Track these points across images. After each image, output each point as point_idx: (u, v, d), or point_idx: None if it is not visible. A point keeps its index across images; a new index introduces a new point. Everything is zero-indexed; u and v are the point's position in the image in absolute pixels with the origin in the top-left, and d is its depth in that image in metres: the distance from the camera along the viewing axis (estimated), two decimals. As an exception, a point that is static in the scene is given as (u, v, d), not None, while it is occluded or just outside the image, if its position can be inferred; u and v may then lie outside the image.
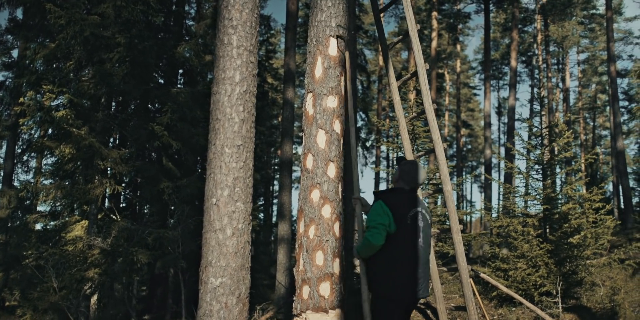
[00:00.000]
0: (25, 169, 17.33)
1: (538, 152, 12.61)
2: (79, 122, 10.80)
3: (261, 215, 29.03)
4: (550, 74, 37.87)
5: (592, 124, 48.03)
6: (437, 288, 6.67)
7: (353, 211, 5.62)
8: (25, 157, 16.57)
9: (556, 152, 12.76)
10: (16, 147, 16.94)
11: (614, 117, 25.48)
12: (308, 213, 5.17)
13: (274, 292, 13.35)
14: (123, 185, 12.78)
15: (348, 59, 5.71)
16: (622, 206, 25.34)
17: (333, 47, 5.55)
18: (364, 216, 5.35)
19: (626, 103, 44.64)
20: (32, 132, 13.25)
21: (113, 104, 13.03)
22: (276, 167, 36.32)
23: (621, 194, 26.02)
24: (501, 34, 42.99)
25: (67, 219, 11.74)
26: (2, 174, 17.68)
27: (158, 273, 13.64)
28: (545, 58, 37.12)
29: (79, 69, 11.91)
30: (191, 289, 12.27)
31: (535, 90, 42.44)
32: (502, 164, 37.67)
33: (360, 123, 38.05)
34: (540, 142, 12.86)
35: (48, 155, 12.06)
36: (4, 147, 17.36)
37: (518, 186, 12.93)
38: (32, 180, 15.84)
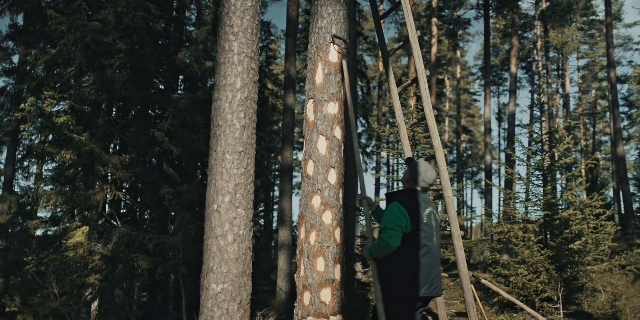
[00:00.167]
0: (26, 175, 17.36)
1: (538, 158, 12.63)
2: (79, 128, 10.81)
3: (261, 221, 28.99)
4: (550, 80, 37.89)
5: (592, 129, 48.07)
6: (438, 294, 6.66)
7: (354, 217, 5.64)
8: (25, 163, 16.60)
9: (556, 158, 12.78)
10: (17, 152, 16.94)
11: (614, 122, 25.52)
12: (309, 219, 5.18)
13: (275, 298, 13.35)
14: (123, 191, 12.78)
15: (345, 65, 5.72)
16: (623, 212, 25.34)
17: (333, 54, 5.57)
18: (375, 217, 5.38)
19: (626, 109, 44.74)
20: (33, 138, 13.27)
21: (114, 109, 13.03)
22: (276, 173, 36.28)
23: (622, 199, 26.01)
24: (501, 40, 43.07)
25: (67, 224, 11.72)
26: (2, 179, 17.66)
27: (159, 279, 13.60)
28: (545, 64, 37.15)
29: (79, 75, 11.93)
30: (192, 295, 12.25)
31: (535, 96, 42.53)
32: (503, 170, 37.66)
33: (360, 129, 38.09)
34: (540, 148, 12.88)
35: (49, 161, 12.07)
36: (5, 153, 17.36)
37: (518, 192, 12.95)
38: (32, 186, 15.86)
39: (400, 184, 17.60)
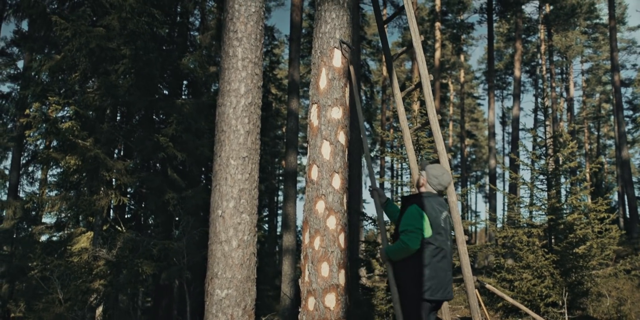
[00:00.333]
0: (31, 180, 17.41)
1: (542, 162, 12.61)
2: (84, 133, 10.83)
3: (266, 226, 28.95)
4: (554, 84, 37.90)
5: (596, 133, 47.99)
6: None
7: (358, 222, 5.64)
8: (30, 169, 16.62)
9: (561, 162, 12.77)
10: (21, 158, 16.96)
11: (618, 126, 25.48)
12: (313, 224, 5.18)
13: (279, 303, 13.33)
14: (128, 196, 12.79)
15: (353, 69, 5.73)
16: (628, 216, 25.29)
17: (337, 59, 5.57)
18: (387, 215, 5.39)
19: (630, 112, 44.73)
20: (38, 143, 13.34)
21: (118, 115, 13.06)
22: (281, 178, 36.26)
23: (626, 203, 25.96)
24: (505, 44, 43.08)
25: (72, 230, 11.74)
26: (7, 185, 17.68)
27: (163, 284, 13.60)
28: (549, 68, 37.17)
29: (84, 81, 11.96)
30: (196, 300, 12.24)
31: (539, 100, 42.56)
32: (507, 174, 37.67)
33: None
34: (544, 152, 12.86)
35: (53, 167, 12.08)
36: (10, 159, 17.41)
37: (523, 196, 12.94)
38: (37, 192, 15.93)
39: (405, 189, 17.59)
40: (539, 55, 39.19)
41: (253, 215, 5.64)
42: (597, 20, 39.13)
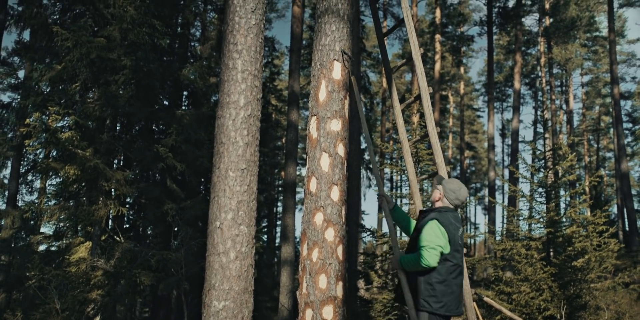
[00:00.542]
0: (30, 190, 17.37)
1: (541, 175, 12.62)
2: (84, 143, 10.85)
3: (264, 237, 28.93)
4: (553, 96, 37.98)
5: (595, 145, 48.04)
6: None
7: (357, 234, 5.64)
8: (29, 178, 16.60)
9: (560, 175, 12.77)
10: (21, 167, 16.96)
11: (617, 139, 25.50)
12: (311, 236, 5.18)
13: (277, 314, 13.30)
14: (127, 206, 12.80)
15: (355, 81, 5.75)
16: (627, 229, 25.26)
17: (337, 71, 5.59)
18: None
19: (630, 125, 44.78)
20: (37, 153, 13.32)
21: (118, 125, 13.08)
22: (280, 189, 36.23)
23: (626, 216, 25.94)
24: (505, 57, 43.22)
25: (70, 240, 11.73)
26: (6, 194, 17.67)
27: (161, 295, 13.58)
28: (549, 80, 37.26)
29: (84, 91, 12.00)
30: (193, 311, 12.21)
31: (539, 112, 42.63)
32: (506, 186, 37.65)
33: (363, 145, 38.08)
34: (543, 164, 12.88)
35: (52, 176, 12.09)
36: (9, 168, 17.37)
37: (522, 209, 12.94)
38: (36, 201, 15.89)
39: (405, 200, 17.59)
40: (538, 68, 39.32)
41: (251, 227, 5.65)
42: (597, 33, 39.31)
